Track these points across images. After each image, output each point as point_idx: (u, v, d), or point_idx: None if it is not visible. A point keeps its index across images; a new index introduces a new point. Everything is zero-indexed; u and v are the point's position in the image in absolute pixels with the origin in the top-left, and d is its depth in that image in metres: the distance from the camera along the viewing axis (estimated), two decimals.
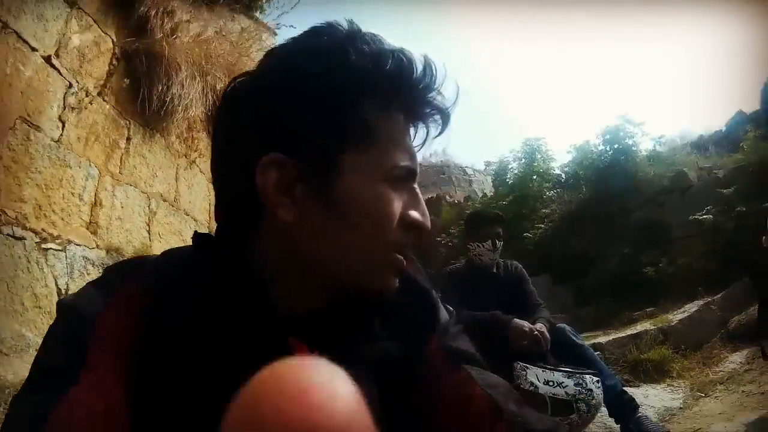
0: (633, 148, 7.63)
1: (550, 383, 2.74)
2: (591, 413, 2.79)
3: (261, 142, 0.69)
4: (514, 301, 3.32)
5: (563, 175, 8.77)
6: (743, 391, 3.67)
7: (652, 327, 4.82)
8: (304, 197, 0.69)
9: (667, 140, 8.05)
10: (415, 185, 0.76)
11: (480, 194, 11.40)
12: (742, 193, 5.86)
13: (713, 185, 6.30)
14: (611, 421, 3.18)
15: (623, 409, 3.07)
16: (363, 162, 0.70)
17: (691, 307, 5.09)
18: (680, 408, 3.76)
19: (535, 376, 2.76)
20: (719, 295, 5.12)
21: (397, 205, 0.71)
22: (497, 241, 3.40)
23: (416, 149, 0.77)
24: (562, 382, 2.75)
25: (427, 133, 0.79)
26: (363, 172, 0.70)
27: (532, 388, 2.72)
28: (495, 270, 3.49)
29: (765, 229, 2.23)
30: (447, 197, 11.09)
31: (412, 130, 0.77)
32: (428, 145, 0.81)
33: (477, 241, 3.43)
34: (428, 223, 0.75)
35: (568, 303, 6.57)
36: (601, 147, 7.85)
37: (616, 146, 7.64)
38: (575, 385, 2.74)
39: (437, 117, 0.78)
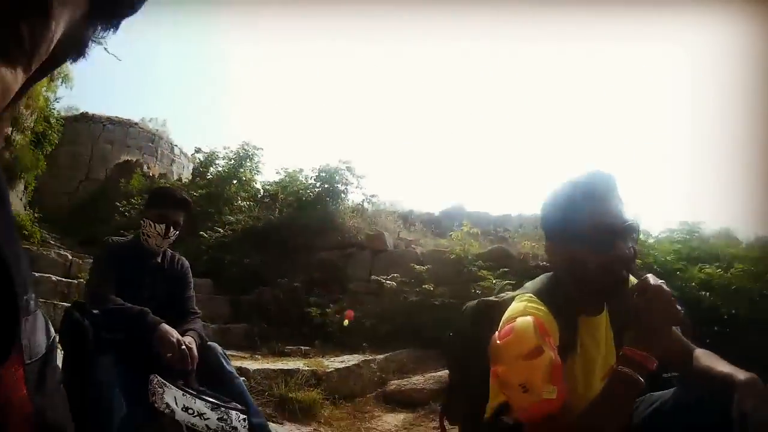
0: (342, 194, 7.46)
1: (190, 411, 2.38)
2: None
3: None
4: (170, 301, 2.94)
5: (261, 191, 8.34)
6: None
7: (306, 368, 4.35)
8: None
9: (377, 202, 8.04)
10: None
11: (176, 177, 10.64)
12: (434, 275, 5.80)
13: (408, 258, 6.23)
14: None
15: None
16: None
17: (351, 359, 4.74)
18: None
19: (174, 398, 2.39)
20: (382, 356, 4.87)
21: None
22: (172, 229, 2.94)
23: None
24: (204, 413, 2.41)
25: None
26: None
27: (168, 411, 2.33)
28: (160, 260, 3.02)
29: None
30: (146, 166, 10.14)
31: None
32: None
33: (152, 220, 2.91)
34: None
35: (224, 315, 5.86)
36: (312, 181, 7.59)
37: (326, 186, 7.40)
38: (219, 419, 2.42)
39: None
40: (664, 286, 1.53)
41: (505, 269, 5.45)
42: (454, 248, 6.11)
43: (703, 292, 3.98)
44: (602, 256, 1.63)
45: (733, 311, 3.87)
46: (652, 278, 1.53)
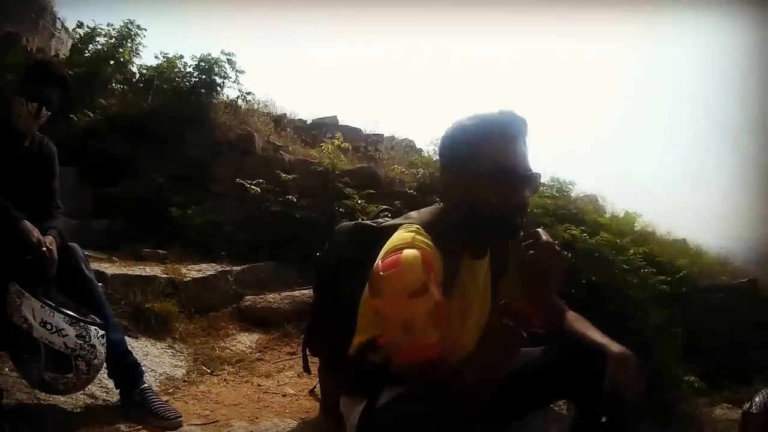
0: (219, 88, 7.04)
1: (48, 326, 2.21)
2: (91, 374, 2.36)
3: None
4: (33, 191, 2.65)
5: (138, 75, 7.65)
6: (260, 386, 3.24)
7: (164, 275, 4.17)
8: None
9: (252, 101, 7.64)
10: None
11: (54, 52, 9.53)
12: (299, 185, 5.68)
13: (275, 165, 6.03)
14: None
15: (126, 373, 2.59)
16: None
17: (208, 269, 4.55)
18: (185, 381, 3.16)
19: (32, 310, 2.20)
20: (240, 268, 4.74)
21: None
22: (45, 109, 2.59)
23: None
24: (63, 329, 2.23)
25: None
26: None
27: (25, 325, 2.19)
28: (28, 143, 2.69)
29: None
30: (25, 40, 8.93)
31: None
32: None
33: (24, 97, 2.56)
34: None
35: (85, 209, 5.41)
36: (190, 70, 7.07)
37: (203, 77, 6.93)
38: (77, 336, 2.26)
39: None
40: (555, 244, 1.50)
41: (371, 191, 5.45)
42: (323, 160, 6.00)
43: (565, 252, 4.11)
44: (504, 200, 1.58)
45: (593, 278, 4.10)
46: (543, 233, 1.49)
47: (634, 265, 4.58)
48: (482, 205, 1.60)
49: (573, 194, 5.68)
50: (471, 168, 1.62)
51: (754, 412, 3.28)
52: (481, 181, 1.59)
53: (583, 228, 4.50)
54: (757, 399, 3.39)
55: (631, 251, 4.69)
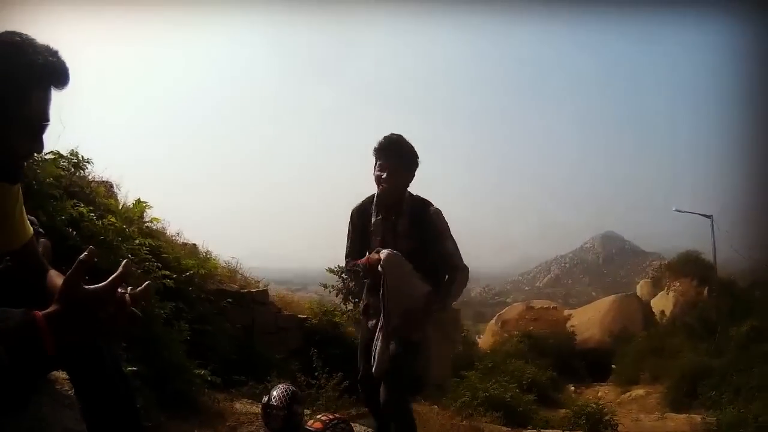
0: None
1: None
2: None
3: None
4: None
5: None
6: None
7: None
8: None
9: None
10: None
11: None
12: None
13: None
14: None
15: None
16: None
17: None
18: None
19: None
20: None
21: None
22: None
23: None
24: None
25: None
26: None
27: None
28: None
29: None
30: None
31: None
32: None
33: None
34: None
35: None
36: None
37: None
38: None
39: None
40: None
41: None
42: None
43: (70, 229, 3.93)
44: (11, 144, 1.55)
45: (96, 260, 3.88)
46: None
47: (140, 256, 4.59)
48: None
49: (90, 175, 5.43)
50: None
51: (274, 404, 3.66)
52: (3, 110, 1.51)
53: (92, 208, 4.34)
54: (274, 393, 3.81)
55: (137, 241, 4.70)
